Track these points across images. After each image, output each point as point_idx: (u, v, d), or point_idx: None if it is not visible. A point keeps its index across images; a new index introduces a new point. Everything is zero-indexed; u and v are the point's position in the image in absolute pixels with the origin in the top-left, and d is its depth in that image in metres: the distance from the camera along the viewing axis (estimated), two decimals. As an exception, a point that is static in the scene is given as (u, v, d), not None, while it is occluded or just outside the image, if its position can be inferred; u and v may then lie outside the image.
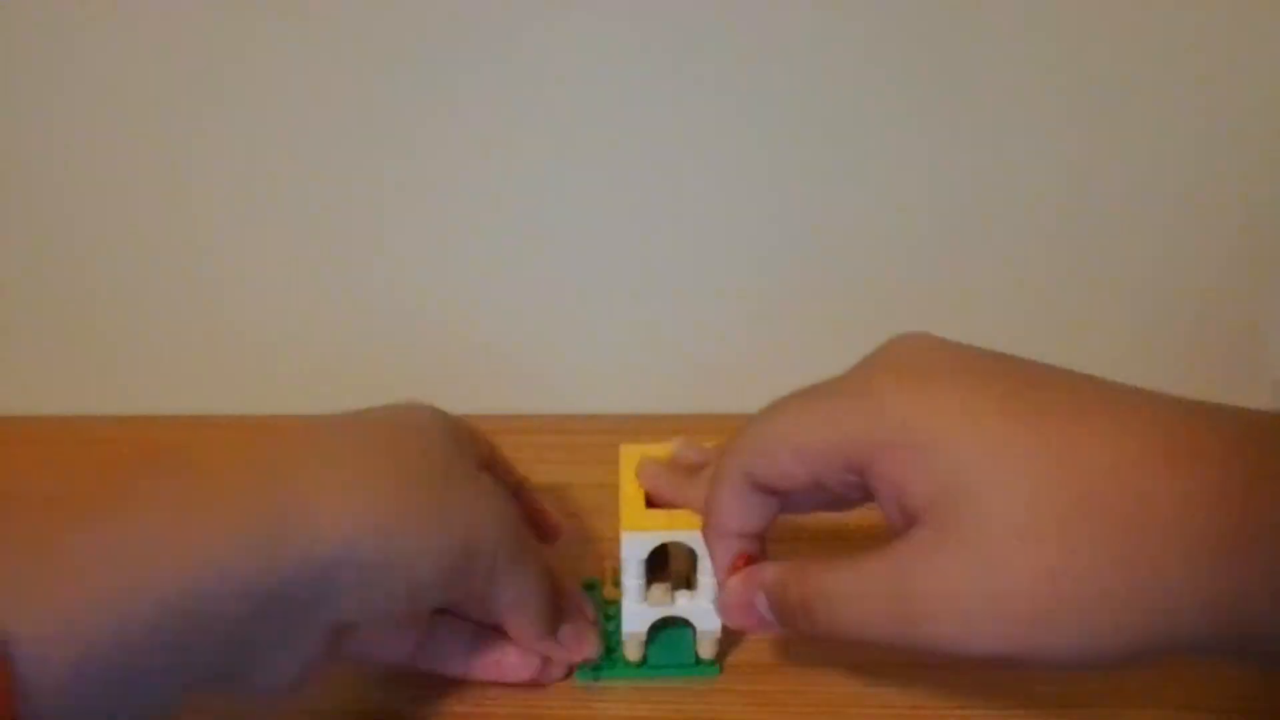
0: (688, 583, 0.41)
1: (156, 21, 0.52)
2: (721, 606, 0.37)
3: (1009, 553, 0.28)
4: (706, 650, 0.42)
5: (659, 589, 0.40)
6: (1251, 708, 0.40)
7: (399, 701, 0.40)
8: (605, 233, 0.57)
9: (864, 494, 0.33)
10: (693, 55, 0.52)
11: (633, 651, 0.42)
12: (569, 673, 0.42)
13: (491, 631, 0.40)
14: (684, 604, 0.40)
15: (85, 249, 0.57)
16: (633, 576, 0.40)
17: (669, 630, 0.42)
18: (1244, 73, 0.52)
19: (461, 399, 0.61)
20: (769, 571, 0.35)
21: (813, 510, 0.38)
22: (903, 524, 0.31)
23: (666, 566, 0.41)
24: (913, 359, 0.33)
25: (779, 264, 0.57)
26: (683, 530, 0.39)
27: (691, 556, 0.40)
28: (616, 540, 0.50)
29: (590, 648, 0.41)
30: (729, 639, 0.42)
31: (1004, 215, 0.56)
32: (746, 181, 0.55)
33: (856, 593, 0.31)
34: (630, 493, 0.41)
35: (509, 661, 0.41)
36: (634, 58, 0.52)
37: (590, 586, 0.46)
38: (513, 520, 0.38)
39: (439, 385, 0.61)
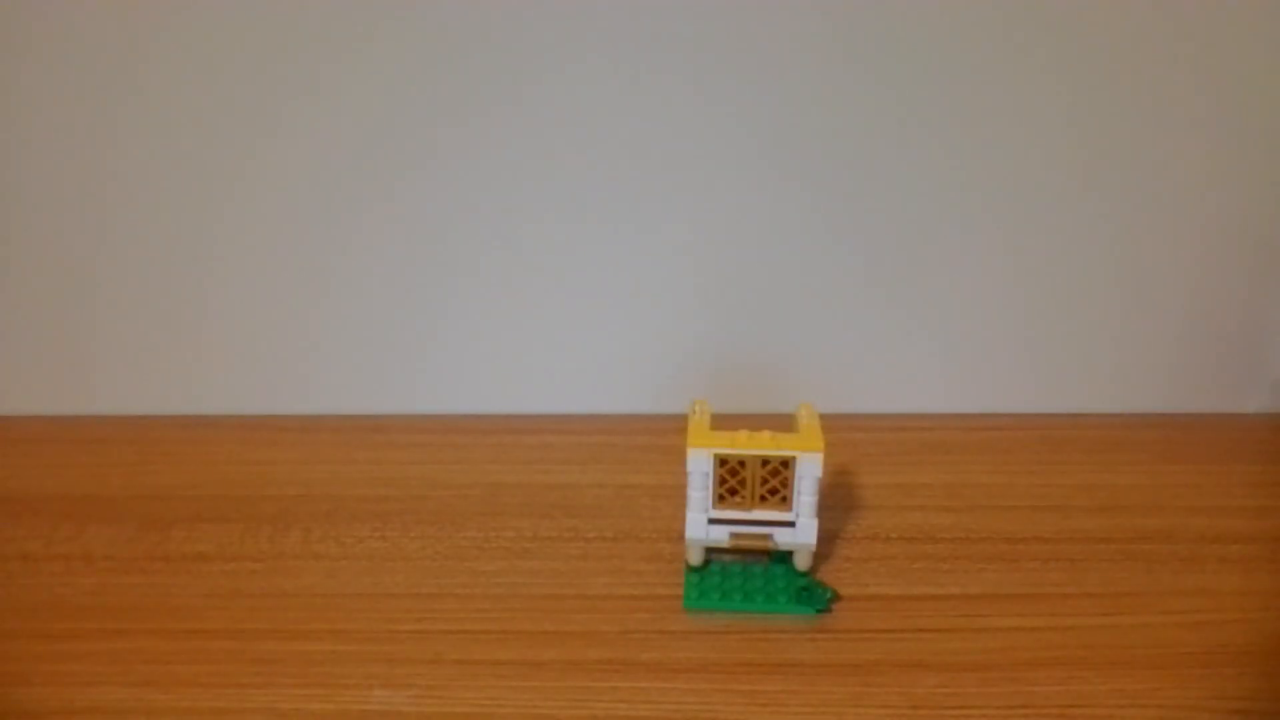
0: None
1: (158, 24, 0.52)
2: None
3: None
4: (803, 561, 0.46)
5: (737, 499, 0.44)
6: (1251, 708, 0.40)
7: (399, 700, 0.40)
8: (606, 234, 0.57)
9: None
10: (693, 60, 0.52)
11: (695, 556, 0.46)
12: None
13: None
14: (761, 513, 0.45)
15: (87, 249, 0.57)
16: (697, 488, 0.44)
17: (766, 571, 0.47)
18: (1245, 74, 0.52)
19: (463, 399, 0.61)
20: None
21: None
22: None
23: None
24: None
25: (780, 265, 0.57)
26: (751, 449, 0.43)
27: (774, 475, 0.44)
28: (622, 539, 0.50)
29: None
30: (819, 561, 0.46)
31: (1006, 216, 0.56)
32: (747, 183, 0.55)
33: None
34: (698, 421, 0.45)
35: None
36: (633, 62, 0.52)
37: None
38: None
39: (440, 386, 0.61)
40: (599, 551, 0.49)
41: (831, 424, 0.59)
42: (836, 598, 0.45)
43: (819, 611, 0.45)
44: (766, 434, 0.44)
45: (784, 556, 0.47)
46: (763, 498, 0.45)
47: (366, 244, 0.57)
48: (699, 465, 0.44)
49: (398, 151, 0.55)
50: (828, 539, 0.50)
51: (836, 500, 0.52)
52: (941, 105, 0.53)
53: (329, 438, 0.59)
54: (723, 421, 0.45)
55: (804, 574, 0.46)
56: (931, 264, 0.57)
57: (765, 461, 0.44)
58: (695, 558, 0.47)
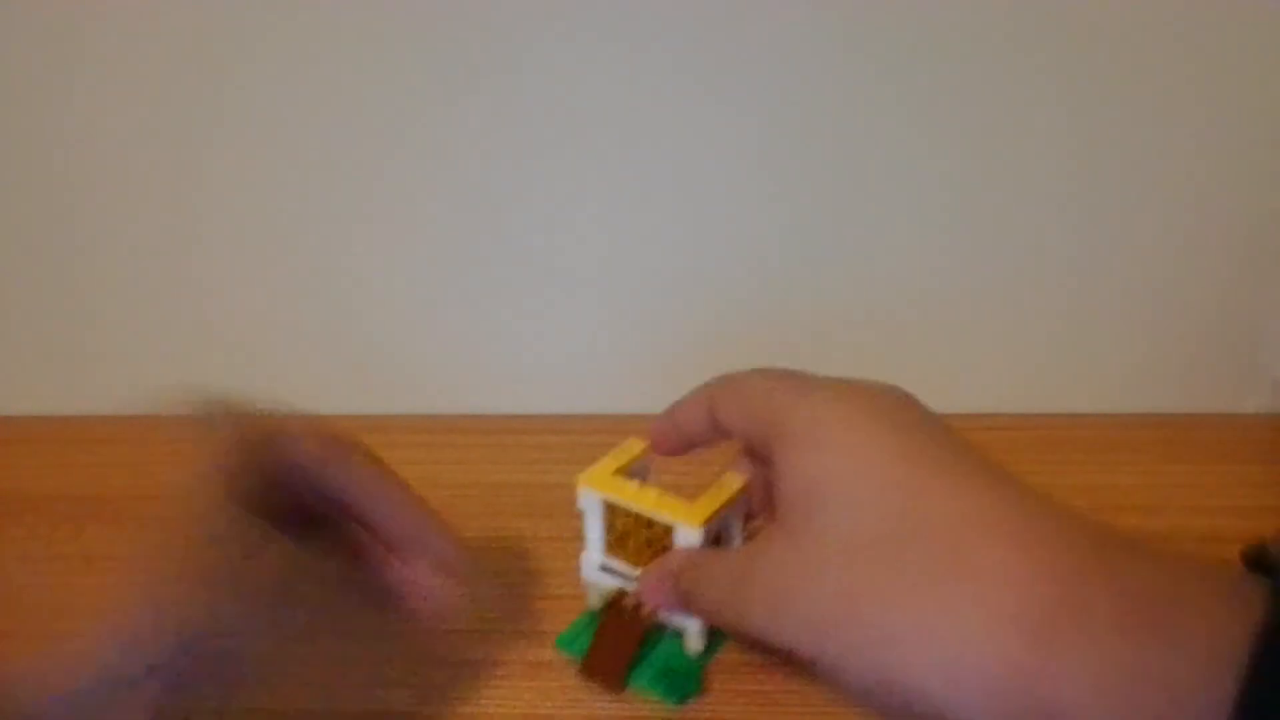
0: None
1: (159, 27, 0.52)
2: (641, 586, 0.39)
3: (829, 565, 0.30)
4: (695, 643, 0.41)
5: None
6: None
7: (399, 701, 0.40)
8: (605, 235, 0.57)
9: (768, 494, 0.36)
10: (685, 56, 0.52)
11: (593, 598, 0.43)
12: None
13: None
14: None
15: (85, 249, 0.57)
16: (591, 528, 0.41)
17: (659, 639, 0.42)
18: (1244, 73, 0.52)
19: (463, 399, 0.61)
20: (675, 558, 0.38)
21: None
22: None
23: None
24: (877, 394, 0.34)
25: (777, 267, 0.57)
26: (630, 502, 0.40)
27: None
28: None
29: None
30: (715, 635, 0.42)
31: (1004, 216, 0.56)
32: (744, 185, 0.55)
33: (714, 580, 0.35)
34: (611, 458, 0.42)
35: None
36: (626, 61, 0.52)
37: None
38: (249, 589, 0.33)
39: (440, 386, 0.61)
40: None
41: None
42: (699, 691, 0.41)
43: (674, 702, 0.40)
44: (654, 491, 0.40)
45: (679, 632, 0.41)
46: (650, 560, 0.40)
47: (367, 244, 0.57)
48: (589, 504, 0.41)
49: (398, 152, 0.55)
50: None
51: (836, 500, 0.52)
52: (939, 102, 0.53)
53: (329, 438, 0.59)
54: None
55: (687, 657, 0.41)
56: (929, 264, 0.57)
57: (649, 523, 0.39)
58: (594, 600, 0.43)
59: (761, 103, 0.53)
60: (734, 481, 0.40)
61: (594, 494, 0.41)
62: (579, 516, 0.51)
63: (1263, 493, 0.53)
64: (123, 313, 0.59)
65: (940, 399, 0.60)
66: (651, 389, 0.61)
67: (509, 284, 0.58)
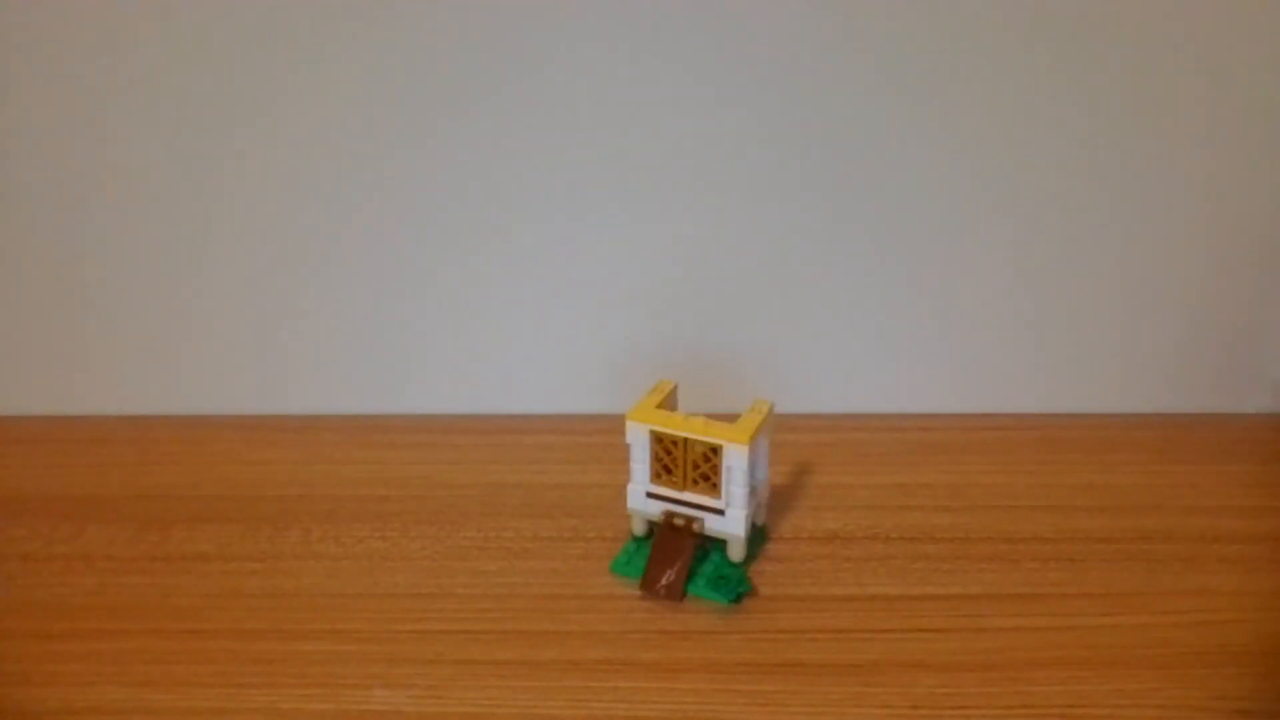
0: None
1: (163, 29, 0.52)
2: None
3: None
4: (737, 553, 0.46)
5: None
6: (1251, 708, 0.40)
7: (399, 700, 0.41)
8: (606, 238, 0.57)
9: None
10: (677, 62, 0.52)
11: (638, 526, 0.48)
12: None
13: None
14: (693, 496, 0.45)
15: (85, 250, 0.57)
16: (637, 460, 0.46)
17: (703, 555, 0.47)
18: (1248, 76, 0.52)
19: (463, 399, 0.61)
20: None
21: None
22: None
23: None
24: None
25: (783, 266, 0.57)
26: (680, 430, 0.44)
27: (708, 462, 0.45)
28: (622, 539, 0.50)
29: None
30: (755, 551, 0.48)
31: (1007, 217, 0.56)
32: (745, 185, 0.55)
33: None
34: (650, 397, 0.47)
35: None
36: (619, 65, 0.52)
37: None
38: None
39: (441, 385, 0.61)
40: (599, 551, 0.49)
41: (831, 424, 0.60)
42: (751, 592, 0.46)
43: (729, 602, 0.45)
44: (700, 419, 0.45)
45: (721, 545, 0.47)
46: (695, 481, 0.46)
47: (367, 245, 0.57)
48: (636, 438, 0.46)
49: (399, 155, 0.55)
50: (827, 539, 0.50)
51: (836, 500, 0.52)
52: (942, 104, 0.53)
53: (329, 438, 0.59)
54: (722, 419, 0.45)
55: (733, 564, 0.47)
56: (932, 264, 0.57)
57: (697, 446, 0.45)
58: (638, 528, 0.48)
59: (761, 108, 0.53)
60: (763, 405, 0.46)
61: (642, 427, 0.45)
62: (578, 516, 0.51)
63: (1262, 493, 0.53)
64: (123, 313, 0.59)
65: (942, 399, 0.61)
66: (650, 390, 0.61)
67: (510, 287, 0.58)
